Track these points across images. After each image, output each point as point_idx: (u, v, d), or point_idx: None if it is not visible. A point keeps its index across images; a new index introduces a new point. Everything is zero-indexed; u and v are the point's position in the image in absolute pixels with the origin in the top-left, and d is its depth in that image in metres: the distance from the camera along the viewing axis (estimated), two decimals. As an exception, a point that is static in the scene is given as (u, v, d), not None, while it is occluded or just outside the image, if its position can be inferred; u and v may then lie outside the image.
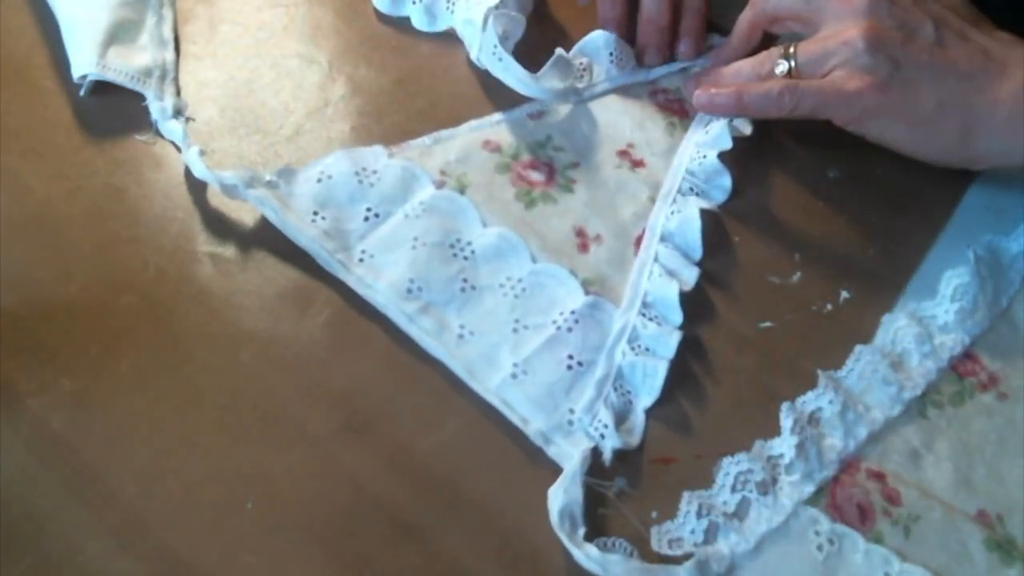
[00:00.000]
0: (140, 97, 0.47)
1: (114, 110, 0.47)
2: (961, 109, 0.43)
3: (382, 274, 0.43)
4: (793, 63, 0.46)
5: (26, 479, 0.37)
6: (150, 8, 0.50)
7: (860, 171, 0.49)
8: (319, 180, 0.45)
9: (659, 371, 0.41)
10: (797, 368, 0.42)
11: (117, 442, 0.39)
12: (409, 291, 0.42)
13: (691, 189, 0.47)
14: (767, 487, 0.39)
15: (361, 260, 0.43)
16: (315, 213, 0.44)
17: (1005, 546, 0.39)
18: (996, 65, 0.44)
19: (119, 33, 0.48)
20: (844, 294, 0.45)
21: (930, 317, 0.44)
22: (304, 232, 0.43)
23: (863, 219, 0.47)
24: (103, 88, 0.47)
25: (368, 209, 0.44)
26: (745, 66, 0.48)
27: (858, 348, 0.42)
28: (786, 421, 0.40)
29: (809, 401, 0.41)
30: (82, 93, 0.47)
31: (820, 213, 0.47)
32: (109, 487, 0.37)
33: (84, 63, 0.47)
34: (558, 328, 0.42)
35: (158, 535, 0.37)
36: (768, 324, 0.44)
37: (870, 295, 0.45)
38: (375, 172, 0.45)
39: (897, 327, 0.43)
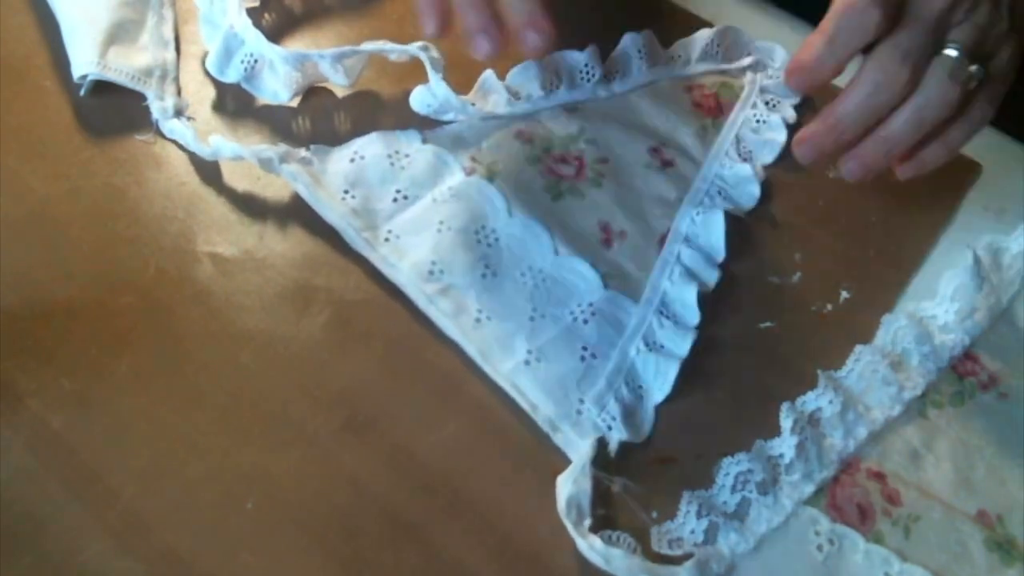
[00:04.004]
0: (140, 97, 0.47)
1: (114, 110, 0.47)
2: None
3: (406, 255, 0.43)
4: (976, 68, 0.40)
5: (26, 479, 0.37)
6: (151, 8, 0.50)
7: (860, 171, 0.49)
8: (352, 160, 0.45)
9: (671, 369, 0.41)
10: (797, 368, 0.42)
11: (117, 442, 0.39)
12: (431, 273, 0.43)
13: (719, 193, 0.47)
14: (767, 487, 0.39)
15: (387, 240, 0.44)
16: (345, 191, 0.45)
17: (1005, 546, 0.39)
18: None
19: (119, 33, 0.48)
20: (844, 294, 0.45)
21: (930, 317, 0.44)
22: (333, 209, 0.44)
23: (863, 219, 0.47)
24: (103, 88, 0.47)
25: (398, 191, 0.45)
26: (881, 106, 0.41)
27: (858, 348, 0.42)
28: (786, 421, 0.40)
29: (809, 401, 0.41)
30: (82, 93, 0.47)
31: (820, 213, 0.47)
32: (109, 487, 0.37)
33: (84, 63, 0.47)
34: (575, 319, 0.42)
35: (158, 535, 0.37)
36: (768, 324, 0.44)
37: (870, 295, 0.45)
38: (407, 156, 0.46)
39: (897, 327, 0.43)
